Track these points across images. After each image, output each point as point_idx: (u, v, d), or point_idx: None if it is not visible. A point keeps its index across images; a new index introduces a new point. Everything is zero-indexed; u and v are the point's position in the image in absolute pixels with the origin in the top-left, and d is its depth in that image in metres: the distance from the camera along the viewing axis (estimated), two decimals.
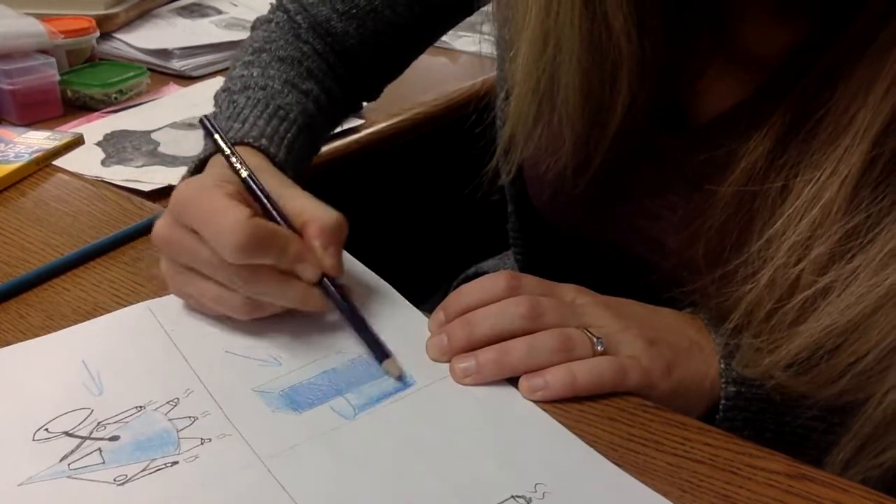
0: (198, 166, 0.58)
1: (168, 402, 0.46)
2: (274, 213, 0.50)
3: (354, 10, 0.71)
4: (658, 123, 0.57)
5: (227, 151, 0.52)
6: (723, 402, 0.48)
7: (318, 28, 0.72)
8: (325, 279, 0.50)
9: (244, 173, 0.51)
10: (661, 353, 0.49)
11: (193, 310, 0.52)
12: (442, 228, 1.15)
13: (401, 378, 0.48)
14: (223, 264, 0.47)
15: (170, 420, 0.44)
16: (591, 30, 0.51)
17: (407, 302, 0.54)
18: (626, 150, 0.57)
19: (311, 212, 0.50)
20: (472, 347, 0.48)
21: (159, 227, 0.50)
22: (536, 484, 0.42)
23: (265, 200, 0.50)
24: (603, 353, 0.48)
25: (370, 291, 0.55)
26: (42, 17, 0.97)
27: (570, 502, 0.41)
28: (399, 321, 0.52)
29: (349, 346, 0.50)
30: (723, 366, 0.49)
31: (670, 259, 0.56)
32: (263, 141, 0.59)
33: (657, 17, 0.52)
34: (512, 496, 0.41)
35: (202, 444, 0.43)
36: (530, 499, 0.41)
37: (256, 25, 0.75)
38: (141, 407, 0.45)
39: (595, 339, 0.48)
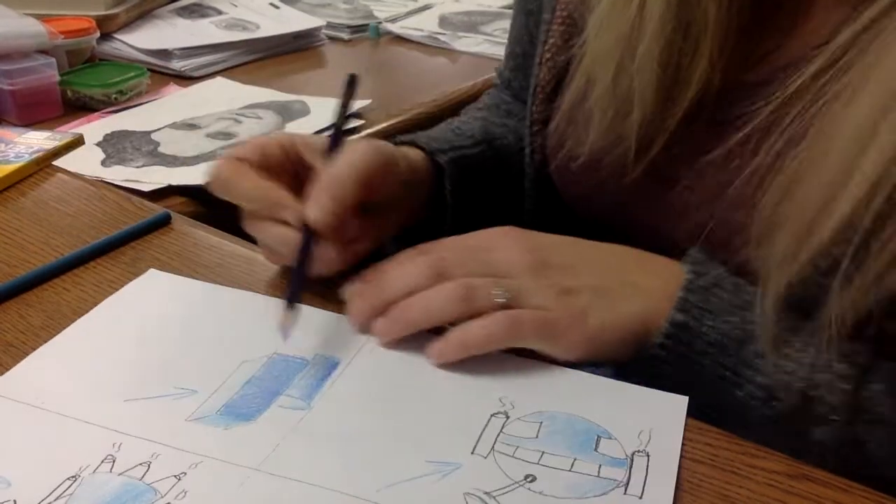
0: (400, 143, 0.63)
1: (104, 461, 0.41)
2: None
3: (518, 62, 0.75)
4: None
5: (339, 111, 0.58)
6: (665, 325, 0.47)
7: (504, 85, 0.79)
8: (305, 226, 0.50)
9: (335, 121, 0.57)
10: (576, 301, 0.48)
11: (54, 379, 0.47)
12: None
13: (283, 332, 0.49)
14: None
15: (121, 474, 0.41)
16: None
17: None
18: (690, 130, 0.55)
19: (330, 164, 0.52)
20: (384, 307, 0.50)
21: None
22: (500, 398, 0.46)
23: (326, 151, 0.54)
24: (506, 304, 0.47)
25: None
26: (42, 17, 0.97)
27: (538, 403, 0.46)
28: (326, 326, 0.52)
29: (252, 352, 0.49)
30: (680, 294, 0.47)
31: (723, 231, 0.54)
32: (417, 137, 0.62)
33: None
34: (491, 415, 0.45)
35: (179, 479, 0.40)
36: (506, 412, 0.45)
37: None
38: (75, 476, 0.40)
39: (497, 290, 0.48)
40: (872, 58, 0.45)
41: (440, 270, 0.49)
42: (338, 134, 0.56)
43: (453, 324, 0.48)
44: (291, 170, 0.54)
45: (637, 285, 0.49)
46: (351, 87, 0.59)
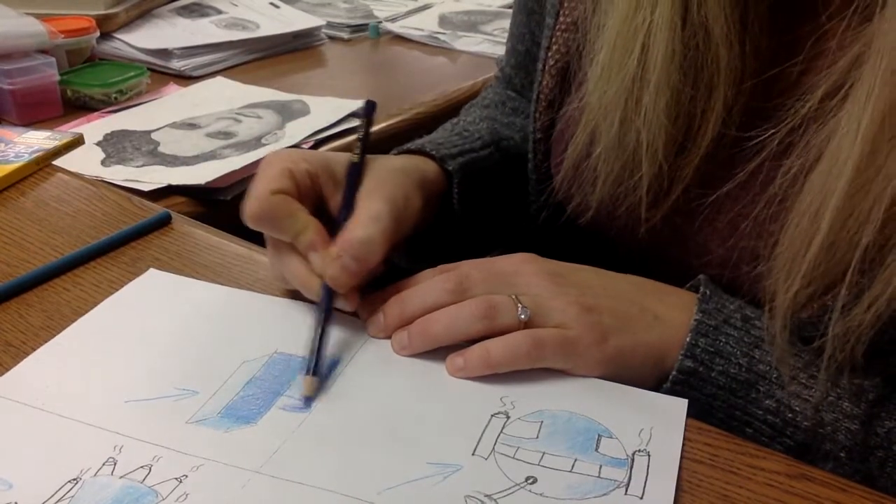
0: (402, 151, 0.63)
1: (105, 464, 0.41)
2: (344, 209, 0.52)
3: (519, 59, 0.75)
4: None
5: (360, 136, 0.57)
6: (673, 373, 0.47)
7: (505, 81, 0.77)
8: (326, 284, 0.50)
9: (355, 159, 0.54)
10: (598, 320, 0.48)
11: (55, 380, 0.47)
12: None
13: (307, 401, 0.46)
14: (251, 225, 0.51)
15: (122, 477, 0.41)
16: (684, 39, 0.48)
17: None
18: (707, 170, 0.53)
19: (353, 222, 0.50)
20: (406, 323, 0.50)
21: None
22: (502, 397, 0.46)
23: (347, 191, 0.53)
24: (528, 322, 0.48)
25: None
26: (42, 17, 0.97)
27: (538, 402, 0.46)
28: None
29: (251, 352, 0.49)
30: (689, 340, 0.47)
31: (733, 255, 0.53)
32: (426, 144, 0.61)
33: (760, 21, 0.49)
34: (492, 416, 0.45)
35: (180, 482, 0.40)
36: (507, 412, 0.45)
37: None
38: (76, 479, 0.40)
39: (520, 307, 0.48)
40: (868, 83, 0.43)
41: (463, 288, 0.50)
42: (359, 167, 0.54)
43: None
44: (316, 196, 0.53)
45: (657, 315, 0.49)
46: (369, 114, 0.58)
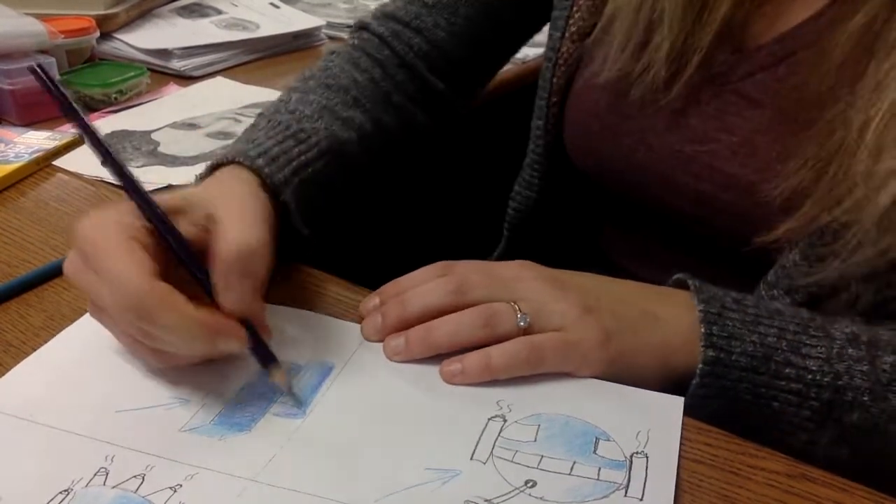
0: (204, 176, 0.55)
1: (97, 474, 0.41)
2: (176, 248, 0.46)
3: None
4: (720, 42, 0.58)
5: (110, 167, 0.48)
6: (700, 366, 0.47)
7: (402, 33, 0.71)
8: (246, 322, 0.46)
9: (126, 195, 0.46)
10: (598, 323, 0.48)
11: (42, 391, 0.46)
12: (441, 227, 1.15)
13: (291, 389, 0.46)
14: (124, 317, 0.44)
15: (115, 487, 0.40)
16: None
17: (332, 318, 0.53)
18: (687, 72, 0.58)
19: (219, 244, 0.45)
20: (405, 326, 0.50)
21: (67, 264, 0.46)
22: (498, 401, 0.46)
23: (171, 240, 0.45)
24: (528, 329, 0.48)
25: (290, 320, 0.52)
26: (42, 17, 0.97)
27: (535, 405, 0.46)
28: (315, 331, 0.51)
29: (243, 360, 0.48)
30: (703, 330, 0.48)
31: (716, 183, 0.57)
32: (259, 160, 0.54)
33: None
34: (489, 419, 0.45)
35: (175, 491, 0.40)
36: (503, 415, 0.45)
37: (325, 55, 0.71)
38: (67, 490, 0.40)
39: (519, 315, 0.48)
40: None
41: (463, 291, 0.50)
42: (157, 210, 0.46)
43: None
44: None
45: (657, 315, 0.50)
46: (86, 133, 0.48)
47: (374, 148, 0.67)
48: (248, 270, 0.45)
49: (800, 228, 0.51)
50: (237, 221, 0.46)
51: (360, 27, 0.73)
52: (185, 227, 0.46)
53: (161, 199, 0.47)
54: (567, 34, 0.66)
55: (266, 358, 0.46)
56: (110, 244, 0.43)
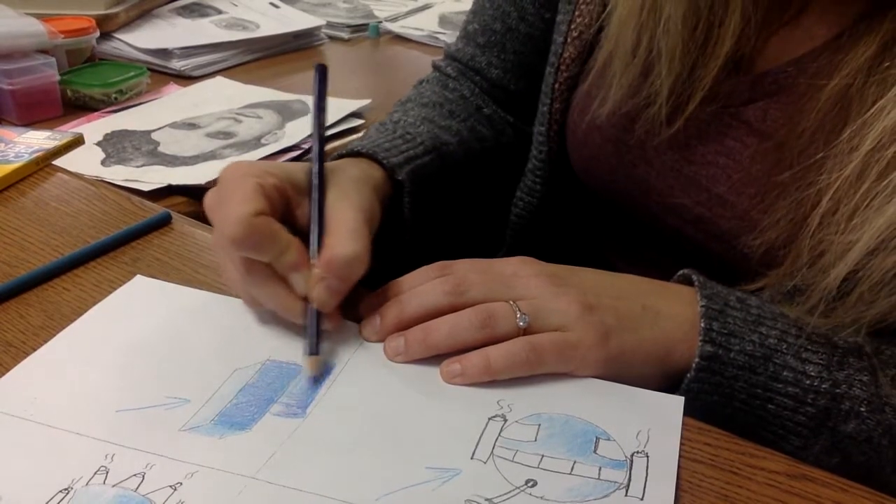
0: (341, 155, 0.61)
1: (97, 473, 0.41)
2: (315, 222, 0.50)
3: (493, 38, 0.74)
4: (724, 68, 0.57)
5: (316, 146, 0.54)
6: (696, 360, 0.47)
7: (466, 72, 0.76)
8: (311, 306, 0.49)
9: (314, 169, 0.52)
10: (598, 321, 0.48)
11: (42, 391, 0.46)
12: (444, 231, 1.15)
13: (316, 380, 0.47)
14: (228, 249, 0.49)
15: (115, 486, 0.40)
16: None
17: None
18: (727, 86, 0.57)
19: (334, 238, 0.49)
20: (403, 327, 0.49)
21: (207, 197, 0.51)
22: (499, 400, 0.46)
23: (314, 207, 0.51)
24: (528, 328, 0.48)
25: None
26: (42, 17, 0.97)
27: (535, 405, 0.46)
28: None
29: (243, 360, 0.49)
30: (703, 325, 0.48)
31: (712, 207, 0.57)
32: (375, 149, 0.60)
33: None
34: (489, 419, 0.45)
35: (175, 489, 0.40)
36: (504, 415, 0.45)
37: (414, 86, 0.79)
38: (67, 489, 0.40)
39: (518, 314, 0.48)
40: None
41: (461, 291, 0.49)
42: (321, 174, 0.53)
43: None
44: (284, 210, 0.52)
45: (658, 311, 0.49)
46: (322, 83, 0.56)
47: (472, 153, 0.72)
48: (348, 277, 0.49)
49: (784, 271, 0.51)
50: (343, 221, 0.50)
51: (434, 66, 0.80)
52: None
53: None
54: (569, 39, 0.66)
55: (313, 344, 0.48)
56: (237, 185, 0.49)
